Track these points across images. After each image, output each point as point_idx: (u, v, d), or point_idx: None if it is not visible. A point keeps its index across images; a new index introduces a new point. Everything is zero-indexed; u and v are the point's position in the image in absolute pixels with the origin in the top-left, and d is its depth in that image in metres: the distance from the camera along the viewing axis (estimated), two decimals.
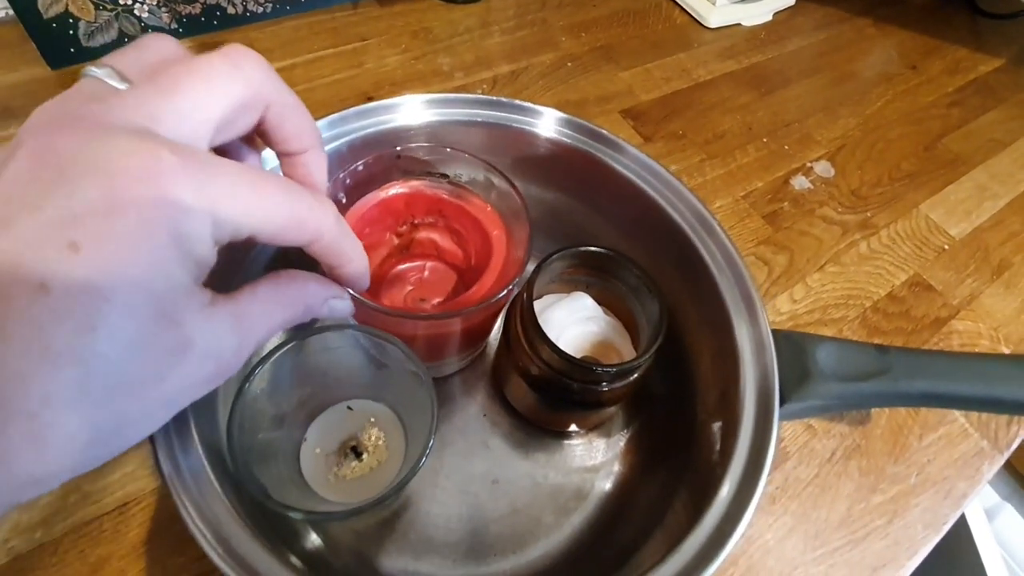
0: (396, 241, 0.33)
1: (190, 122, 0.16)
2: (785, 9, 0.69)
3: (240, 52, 0.18)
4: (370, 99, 0.32)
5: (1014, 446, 0.41)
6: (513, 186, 0.29)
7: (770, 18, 0.67)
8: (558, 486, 0.33)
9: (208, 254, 0.16)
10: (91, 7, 0.44)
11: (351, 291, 0.23)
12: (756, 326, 0.28)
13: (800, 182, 0.52)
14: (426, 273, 0.34)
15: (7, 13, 0.47)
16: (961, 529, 0.60)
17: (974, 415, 0.41)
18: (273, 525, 0.24)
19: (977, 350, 0.44)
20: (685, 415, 0.31)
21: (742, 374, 0.27)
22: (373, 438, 0.30)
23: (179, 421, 0.23)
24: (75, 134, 0.15)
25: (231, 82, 0.17)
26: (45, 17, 0.43)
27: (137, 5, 0.46)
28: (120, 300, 0.14)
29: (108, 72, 0.17)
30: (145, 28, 0.48)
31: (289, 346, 0.24)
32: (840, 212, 0.51)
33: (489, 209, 0.31)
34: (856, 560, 0.34)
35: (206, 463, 0.22)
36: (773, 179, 0.52)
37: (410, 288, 0.33)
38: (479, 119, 0.34)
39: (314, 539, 0.29)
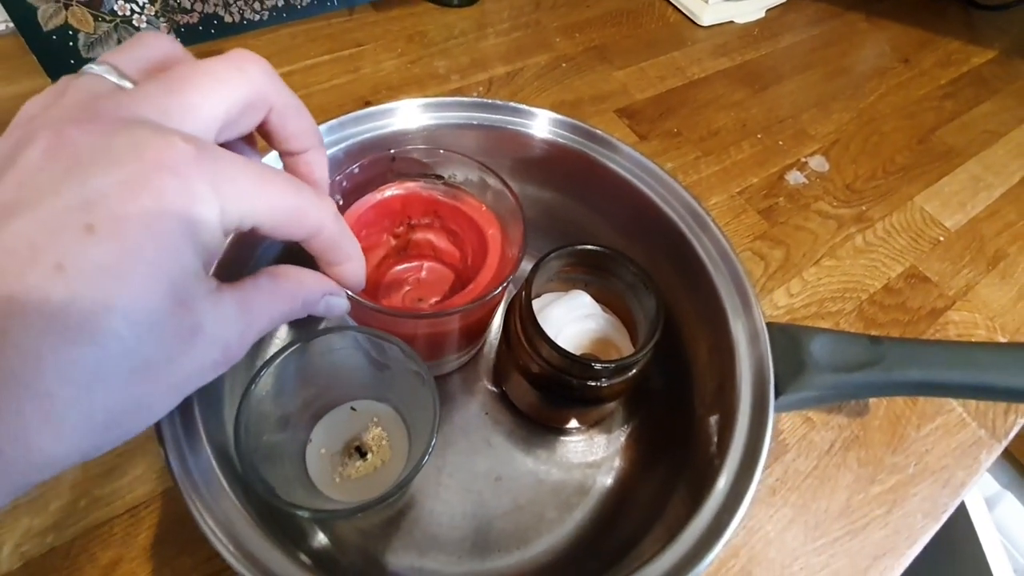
0: (393, 242, 0.33)
1: (197, 119, 0.17)
2: (777, 6, 0.69)
3: (244, 55, 0.18)
4: (367, 104, 0.33)
5: (1012, 435, 0.41)
6: (507, 185, 0.29)
7: (763, 15, 0.68)
8: (560, 482, 0.33)
9: (217, 242, 0.17)
10: (90, 19, 0.45)
11: (349, 292, 0.23)
12: (751, 319, 0.29)
13: (795, 177, 0.53)
14: (423, 273, 0.34)
15: (7, 26, 0.48)
16: (961, 518, 0.60)
17: (971, 405, 0.41)
18: (281, 525, 0.24)
19: (973, 340, 0.45)
20: (683, 410, 0.32)
21: (738, 367, 0.27)
22: (377, 438, 0.31)
23: (188, 423, 0.23)
24: (90, 125, 0.15)
25: (235, 83, 0.18)
26: (45, 29, 0.44)
27: (136, 16, 0.47)
28: (134, 282, 0.14)
29: (107, 69, 0.18)
30: None
31: (293, 349, 0.25)
32: (835, 206, 0.51)
33: (484, 208, 0.31)
34: (856, 549, 0.34)
35: (215, 465, 0.23)
36: (768, 175, 0.52)
37: (408, 288, 0.34)
38: (475, 122, 0.34)
39: (321, 538, 0.29)
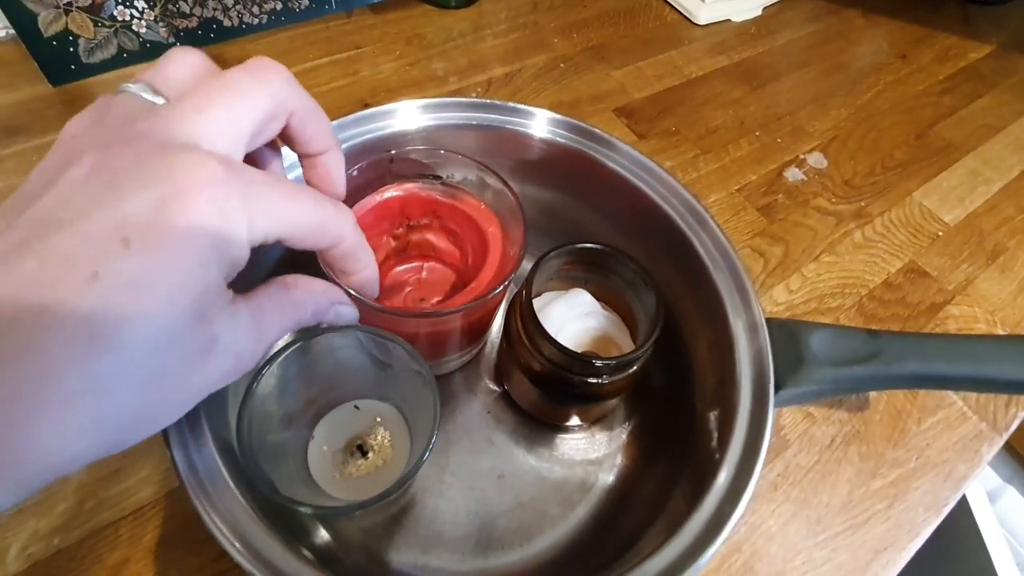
0: (393, 244, 0.34)
1: (226, 136, 0.18)
2: (774, 3, 0.70)
3: (264, 65, 0.19)
4: (367, 106, 0.33)
5: (1013, 428, 0.41)
6: (506, 183, 0.30)
7: (759, 13, 0.68)
8: (562, 479, 0.33)
9: (242, 256, 0.17)
10: (90, 24, 0.45)
11: (354, 293, 0.24)
12: (750, 315, 0.29)
13: (793, 174, 0.53)
14: (424, 274, 0.35)
15: (8, 32, 0.48)
16: (963, 512, 0.60)
17: (972, 399, 0.41)
18: (286, 523, 0.25)
19: (973, 334, 0.45)
20: (684, 407, 0.32)
21: (738, 363, 0.28)
22: (379, 437, 0.31)
23: (193, 423, 0.23)
24: (129, 147, 0.16)
25: (259, 96, 0.18)
26: (45, 36, 0.44)
27: (135, 21, 0.47)
28: (161, 295, 0.15)
29: (143, 87, 0.18)
30: (144, 44, 0.48)
31: (295, 347, 0.25)
32: (834, 202, 0.51)
33: (483, 207, 0.32)
34: (858, 543, 0.35)
35: (220, 463, 0.23)
36: (767, 172, 0.53)
37: (409, 289, 0.34)
38: (474, 122, 0.35)
39: (325, 537, 0.30)
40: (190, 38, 0.51)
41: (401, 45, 0.57)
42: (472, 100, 0.35)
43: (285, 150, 0.23)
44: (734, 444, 0.25)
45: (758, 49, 0.64)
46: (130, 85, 0.19)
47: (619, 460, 0.34)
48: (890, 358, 0.26)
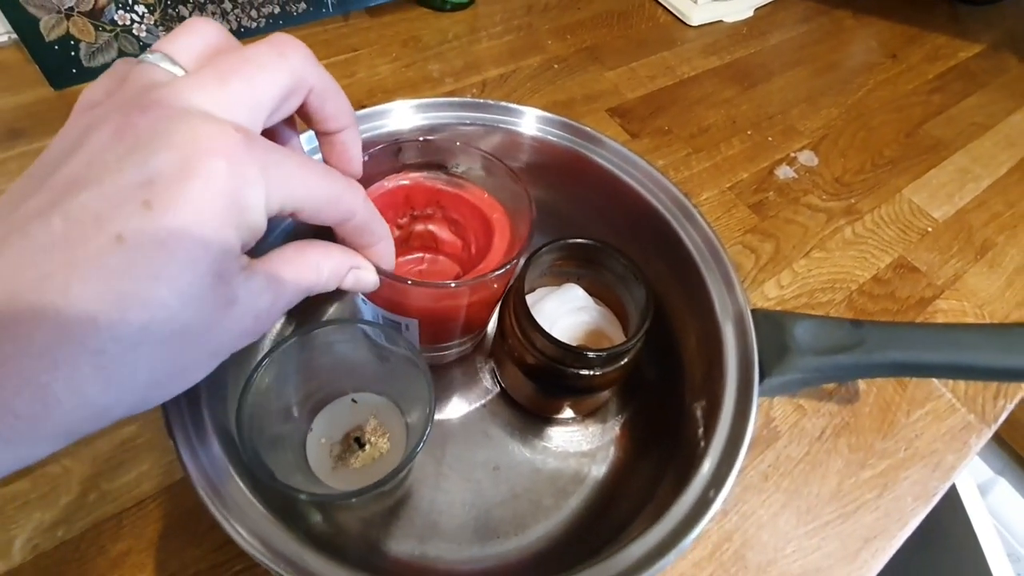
0: (396, 233, 0.34)
1: (246, 109, 0.18)
2: (766, 5, 0.70)
3: (284, 41, 0.19)
4: (362, 107, 0.34)
5: (1001, 419, 0.42)
6: (510, 170, 0.30)
7: (751, 14, 0.69)
8: (556, 471, 0.34)
9: (260, 223, 0.18)
10: (91, 29, 0.46)
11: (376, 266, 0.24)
12: (737, 306, 0.29)
13: (784, 172, 0.54)
14: (424, 265, 0.35)
15: (10, 37, 0.49)
16: (955, 504, 0.61)
17: (960, 391, 0.42)
18: (287, 513, 0.25)
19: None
20: (674, 399, 0.33)
21: (724, 353, 0.28)
22: (376, 429, 0.31)
23: (195, 416, 0.24)
24: (152, 112, 0.16)
25: (279, 71, 0.19)
26: (47, 40, 0.45)
27: (135, 25, 0.48)
28: (183, 256, 0.16)
29: (161, 57, 0.19)
30: (144, 47, 0.49)
31: (293, 341, 0.26)
32: (824, 199, 0.52)
33: (487, 196, 0.32)
34: (848, 532, 0.35)
35: (223, 453, 0.24)
36: (758, 170, 0.53)
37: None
38: (467, 121, 0.35)
39: (325, 527, 0.30)
40: None
41: (397, 47, 0.58)
42: (465, 100, 0.36)
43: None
44: (719, 432, 0.26)
45: (750, 49, 0.65)
46: (149, 55, 0.19)
47: (611, 452, 0.35)
48: (873, 347, 0.27)
